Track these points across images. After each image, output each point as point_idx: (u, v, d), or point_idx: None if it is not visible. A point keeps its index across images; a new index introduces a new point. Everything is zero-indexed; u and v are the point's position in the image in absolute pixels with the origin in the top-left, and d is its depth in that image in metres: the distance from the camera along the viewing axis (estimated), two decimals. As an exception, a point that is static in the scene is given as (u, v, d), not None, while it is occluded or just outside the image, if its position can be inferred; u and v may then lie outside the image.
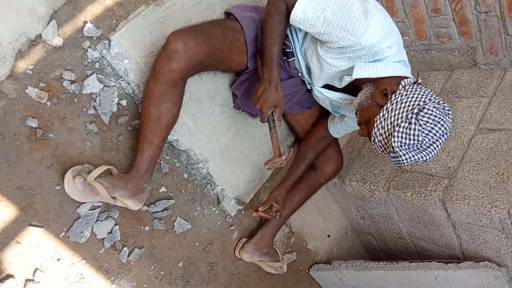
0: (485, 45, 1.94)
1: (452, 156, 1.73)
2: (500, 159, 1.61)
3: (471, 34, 1.94)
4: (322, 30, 1.27)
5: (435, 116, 1.16)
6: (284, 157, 1.44)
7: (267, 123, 1.43)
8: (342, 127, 1.67)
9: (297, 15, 1.29)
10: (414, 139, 1.15)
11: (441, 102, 1.20)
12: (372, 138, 1.26)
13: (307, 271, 2.15)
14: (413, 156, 1.17)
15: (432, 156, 1.18)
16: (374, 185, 1.87)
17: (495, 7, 1.76)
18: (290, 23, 1.33)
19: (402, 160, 1.16)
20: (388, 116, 1.21)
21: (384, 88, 1.27)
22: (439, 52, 2.12)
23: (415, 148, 1.17)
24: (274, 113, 1.40)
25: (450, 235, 1.76)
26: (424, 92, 1.21)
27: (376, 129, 1.23)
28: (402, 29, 2.12)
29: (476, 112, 1.84)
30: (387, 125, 1.20)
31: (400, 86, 1.24)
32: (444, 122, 1.17)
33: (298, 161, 1.73)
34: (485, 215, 1.52)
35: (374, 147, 1.28)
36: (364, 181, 1.92)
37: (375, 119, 1.24)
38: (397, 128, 1.17)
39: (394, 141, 1.17)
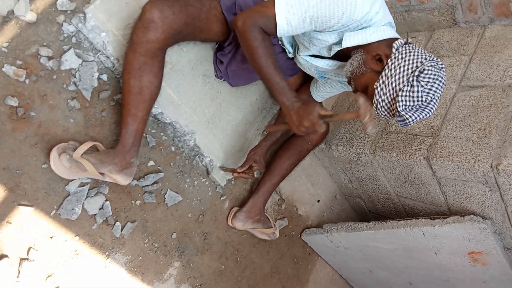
0: (464, 3, 1.93)
1: (435, 115, 1.76)
2: (482, 115, 1.64)
3: (450, -8, 1.94)
4: (312, 27, 1.27)
5: (434, 74, 1.21)
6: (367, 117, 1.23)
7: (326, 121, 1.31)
8: (326, 90, 1.68)
9: (283, 29, 1.25)
10: (418, 100, 1.21)
11: (434, 58, 1.24)
12: (375, 105, 1.29)
13: (299, 235, 2.19)
14: (419, 115, 1.23)
15: (434, 110, 1.25)
16: (360, 148, 1.90)
17: (473, -37, 1.76)
18: (279, 36, 1.29)
19: (409, 121, 1.22)
20: (388, 82, 1.24)
21: (377, 53, 1.28)
22: (419, 13, 2.11)
23: (419, 107, 1.22)
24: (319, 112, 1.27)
25: (435, 192, 1.81)
26: (417, 52, 1.24)
27: (377, 96, 1.27)
28: (382, -9, 2.10)
29: (458, 71, 1.85)
30: (389, 90, 1.24)
31: (393, 50, 1.26)
32: (441, 77, 1.24)
33: (277, 123, 1.75)
34: (469, 170, 1.55)
35: (376, 112, 1.30)
36: (350, 145, 1.94)
37: (375, 86, 1.27)
38: (400, 93, 1.21)
39: (399, 106, 1.21)
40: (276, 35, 1.27)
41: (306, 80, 1.77)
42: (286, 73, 1.71)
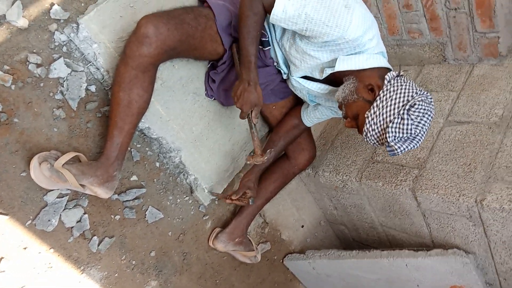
0: (454, 41, 1.98)
1: (422, 147, 1.77)
2: (468, 150, 1.65)
3: (441, 30, 1.98)
4: (304, 27, 1.28)
5: (424, 109, 1.25)
6: (266, 157, 1.51)
7: (247, 120, 1.49)
8: (316, 116, 1.69)
9: (277, 15, 1.28)
10: (407, 132, 1.25)
11: (425, 92, 1.29)
12: (364, 133, 1.32)
13: (281, 260, 2.16)
14: (407, 146, 1.27)
15: (421, 142, 1.29)
16: (346, 176, 1.89)
17: (464, 4, 1.81)
18: (270, 22, 1.32)
19: (398, 152, 1.27)
20: (379, 113, 1.27)
21: (369, 83, 1.32)
22: (410, 47, 2.16)
23: (407, 138, 1.26)
24: (252, 111, 1.43)
25: (420, 224, 1.80)
26: (409, 86, 1.28)
27: (368, 125, 1.30)
28: (375, 23, 2.14)
29: (445, 106, 1.88)
30: (380, 121, 1.28)
31: (386, 82, 1.30)
32: (430, 111, 1.28)
33: (268, 149, 1.74)
34: (453, 203, 1.55)
35: (365, 140, 1.35)
36: (337, 171, 1.94)
37: (366, 116, 1.30)
38: (390, 124, 1.25)
39: (389, 136, 1.26)
40: (270, 15, 1.29)
41: (298, 103, 1.78)
42: (279, 95, 1.72)
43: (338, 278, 2.12)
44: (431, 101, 1.29)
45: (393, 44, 2.21)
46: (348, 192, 1.95)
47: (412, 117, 1.24)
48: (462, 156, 1.65)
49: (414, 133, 1.25)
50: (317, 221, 2.29)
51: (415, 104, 1.24)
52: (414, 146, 1.28)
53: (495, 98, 1.78)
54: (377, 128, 1.28)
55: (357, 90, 1.33)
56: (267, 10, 1.31)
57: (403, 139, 1.26)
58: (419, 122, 1.25)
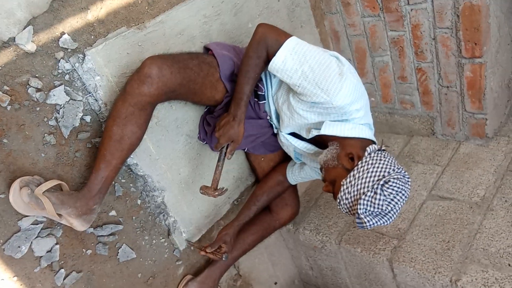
0: (443, 117, 2.06)
1: (404, 218, 1.79)
2: (448, 227, 1.67)
3: (432, 104, 2.07)
4: (298, 83, 1.32)
5: (398, 188, 1.25)
6: (217, 193, 1.49)
7: (218, 152, 1.51)
8: (300, 175, 1.71)
9: (276, 64, 1.33)
10: (378, 208, 1.24)
11: (402, 171, 1.29)
12: (338, 200, 1.33)
13: (249, 317, 2.09)
14: (376, 221, 1.26)
15: (392, 220, 1.28)
16: (326, 237, 1.89)
17: (456, 84, 1.90)
18: (268, 69, 1.37)
19: (366, 225, 1.25)
20: (355, 183, 1.28)
21: (350, 152, 1.34)
22: (401, 117, 2.23)
23: (378, 213, 1.26)
24: (229, 145, 1.47)
25: (394, 296, 1.78)
26: (387, 161, 1.29)
27: (342, 193, 1.30)
28: (369, 90, 2.23)
29: (430, 179, 1.92)
30: (354, 191, 1.28)
31: (366, 153, 1.32)
32: (405, 191, 1.27)
33: (251, 203, 1.75)
34: (429, 280, 1.55)
35: (338, 207, 1.35)
36: (318, 231, 1.93)
37: (342, 183, 1.31)
38: (363, 196, 1.24)
39: (360, 208, 1.24)
40: (270, 61, 1.33)
41: (286, 159, 1.80)
42: (269, 148, 1.74)
43: None
44: (407, 181, 1.29)
45: (385, 112, 2.28)
46: (326, 253, 1.94)
47: (385, 193, 1.24)
48: (442, 232, 1.66)
49: (386, 210, 1.25)
50: (292, 280, 2.25)
51: (389, 180, 1.24)
52: (384, 223, 1.27)
53: (479, 178, 1.82)
54: (350, 197, 1.28)
55: (338, 157, 1.35)
56: (270, 57, 1.35)
57: (373, 214, 1.25)
58: (391, 200, 1.24)
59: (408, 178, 1.29)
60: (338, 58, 1.37)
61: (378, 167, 1.27)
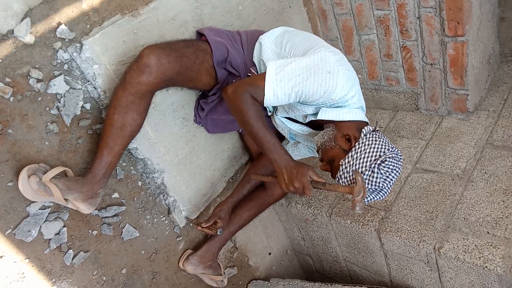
0: (427, 93, 2.14)
1: (390, 190, 1.89)
2: (431, 198, 1.78)
3: (416, 81, 2.14)
4: (297, 99, 1.39)
5: (393, 166, 1.36)
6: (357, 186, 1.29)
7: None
8: (294, 153, 1.78)
9: (270, 101, 1.36)
10: (375, 185, 1.35)
11: (395, 150, 1.40)
12: (337, 179, 1.42)
13: (245, 286, 2.21)
14: (374, 197, 1.38)
15: (387, 195, 1.40)
16: (317, 210, 1.99)
17: (439, 61, 1.97)
18: (265, 105, 1.38)
19: (364, 201, 1.33)
20: (353, 163, 1.37)
21: (347, 133, 1.42)
22: (387, 93, 2.30)
23: (374, 189, 1.37)
24: (311, 176, 1.33)
25: (381, 263, 1.91)
26: (382, 141, 1.39)
27: (341, 172, 1.39)
28: (356, 68, 2.28)
29: (414, 153, 2.02)
30: (352, 171, 1.36)
31: (362, 135, 1.41)
32: (399, 168, 1.39)
33: (244, 181, 1.84)
34: (414, 248, 1.66)
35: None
36: (309, 205, 2.03)
37: (340, 163, 1.40)
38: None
39: None
40: (263, 104, 1.37)
41: (279, 139, 1.87)
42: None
43: (299, 307, 2.19)
44: (400, 159, 1.40)
45: (372, 88, 2.35)
46: (317, 225, 2.05)
47: (382, 171, 1.34)
48: (426, 204, 1.77)
49: (381, 186, 1.36)
50: (284, 250, 2.37)
51: (385, 160, 1.35)
52: (379, 198, 1.40)
53: (460, 151, 1.92)
54: (349, 176, 1.38)
55: (335, 138, 1.44)
56: (259, 102, 1.36)
57: (370, 190, 1.37)
58: (387, 177, 1.36)
59: (400, 156, 1.40)
60: (320, 48, 1.39)
61: (374, 147, 1.36)
